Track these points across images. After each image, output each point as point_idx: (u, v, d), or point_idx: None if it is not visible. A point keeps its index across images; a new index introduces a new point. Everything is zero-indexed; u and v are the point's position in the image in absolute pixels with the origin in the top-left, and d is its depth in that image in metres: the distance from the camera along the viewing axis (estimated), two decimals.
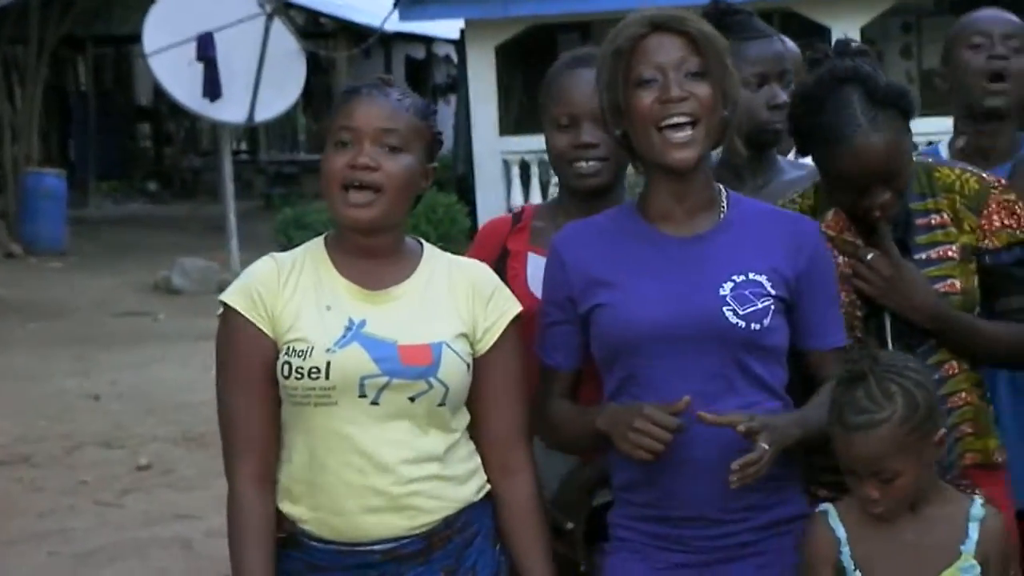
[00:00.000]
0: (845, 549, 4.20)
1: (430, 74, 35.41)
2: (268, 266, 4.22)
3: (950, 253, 4.54)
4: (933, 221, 4.60)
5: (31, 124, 29.53)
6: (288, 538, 4.17)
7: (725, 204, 4.30)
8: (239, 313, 4.11)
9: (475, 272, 4.34)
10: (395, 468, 4.08)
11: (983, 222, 4.58)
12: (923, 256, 4.57)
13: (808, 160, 4.91)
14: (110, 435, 13.27)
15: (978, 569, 4.13)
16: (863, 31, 21.87)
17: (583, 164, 4.65)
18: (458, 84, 27.30)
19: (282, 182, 31.19)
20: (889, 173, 4.43)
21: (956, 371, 4.48)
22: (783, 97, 4.92)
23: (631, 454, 4.00)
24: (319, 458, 4.10)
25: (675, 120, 4.06)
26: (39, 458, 12.79)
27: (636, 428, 3.95)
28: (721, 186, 4.35)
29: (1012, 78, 5.05)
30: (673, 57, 4.08)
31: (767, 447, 3.90)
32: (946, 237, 4.58)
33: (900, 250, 4.52)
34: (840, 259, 4.57)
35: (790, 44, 5.87)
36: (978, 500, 4.19)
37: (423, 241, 4.37)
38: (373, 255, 4.20)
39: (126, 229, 26.17)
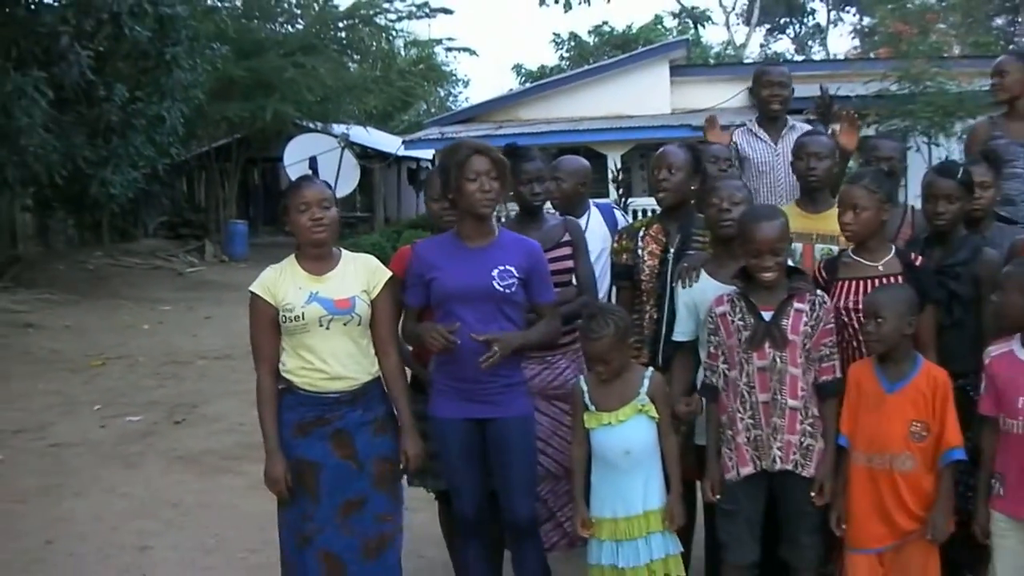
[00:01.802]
0: (586, 395, 4.33)
1: (419, 175, 35.19)
2: (271, 271, 4.49)
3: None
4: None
5: (232, 199, 29.35)
6: (287, 388, 4.43)
7: (497, 233, 4.56)
8: (259, 295, 4.41)
9: (367, 260, 4.59)
10: (340, 358, 4.39)
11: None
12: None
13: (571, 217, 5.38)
14: None
15: (647, 399, 4.41)
16: (622, 157, 21.72)
17: (449, 217, 4.79)
18: None
19: (347, 226, 30.99)
20: (672, 165, 4.96)
21: None
22: (538, 189, 5.12)
23: (431, 348, 4.46)
24: (303, 355, 4.38)
25: (486, 198, 4.42)
26: (235, 356, 12.59)
27: (431, 336, 4.37)
28: (496, 224, 4.65)
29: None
30: (485, 168, 4.41)
31: (497, 349, 4.32)
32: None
33: (684, 249, 4.90)
34: (653, 245, 5.01)
35: (574, 163, 5.87)
36: (651, 369, 4.39)
37: (341, 248, 4.57)
38: (320, 259, 4.46)
39: (276, 248, 25.86)
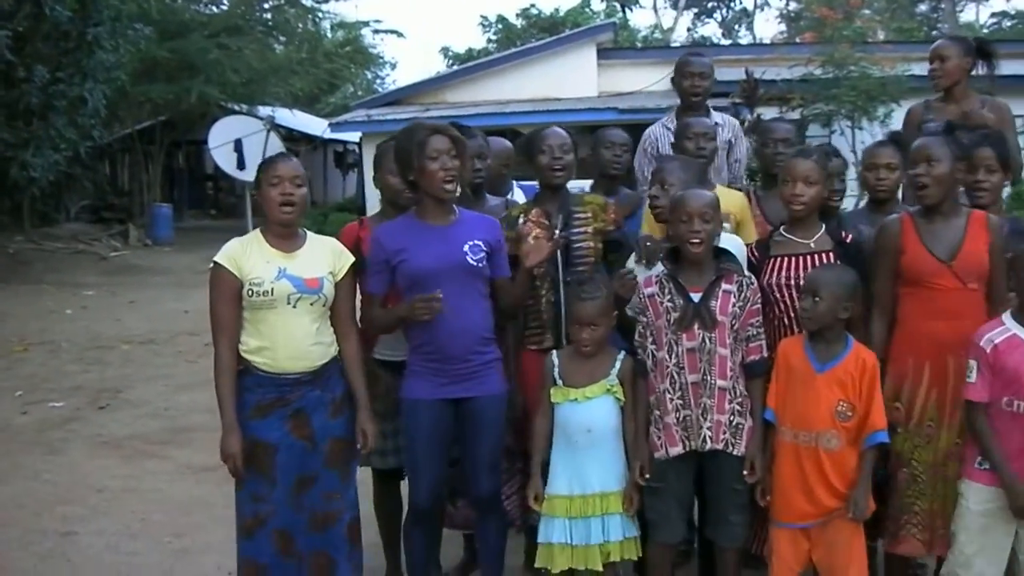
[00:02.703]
0: (556, 369, 4.36)
1: (345, 158, 35.06)
2: (236, 243, 4.45)
3: (588, 231, 4.73)
4: (582, 216, 4.83)
5: (156, 182, 28.97)
6: (245, 369, 4.37)
7: (457, 213, 4.59)
8: (223, 266, 4.34)
9: (331, 242, 4.62)
10: (302, 338, 4.36)
11: (605, 218, 4.79)
12: (579, 231, 4.85)
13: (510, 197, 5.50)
14: (193, 329, 12.95)
15: (616, 381, 4.46)
16: None
17: (409, 194, 4.70)
18: (359, 163, 26.98)
19: None
20: (565, 144, 4.95)
21: None
22: (479, 165, 5.20)
23: (419, 318, 4.37)
24: (266, 333, 4.34)
25: (449, 177, 4.43)
26: (159, 340, 12.61)
27: (416, 307, 4.33)
28: (455, 205, 4.61)
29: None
30: (445, 147, 4.44)
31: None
32: (587, 224, 4.86)
33: (567, 228, 4.82)
34: (537, 230, 4.85)
35: (497, 144, 5.86)
36: (624, 352, 4.36)
37: (305, 230, 4.57)
38: (287, 236, 4.46)
39: (200, 232, 25.72)
